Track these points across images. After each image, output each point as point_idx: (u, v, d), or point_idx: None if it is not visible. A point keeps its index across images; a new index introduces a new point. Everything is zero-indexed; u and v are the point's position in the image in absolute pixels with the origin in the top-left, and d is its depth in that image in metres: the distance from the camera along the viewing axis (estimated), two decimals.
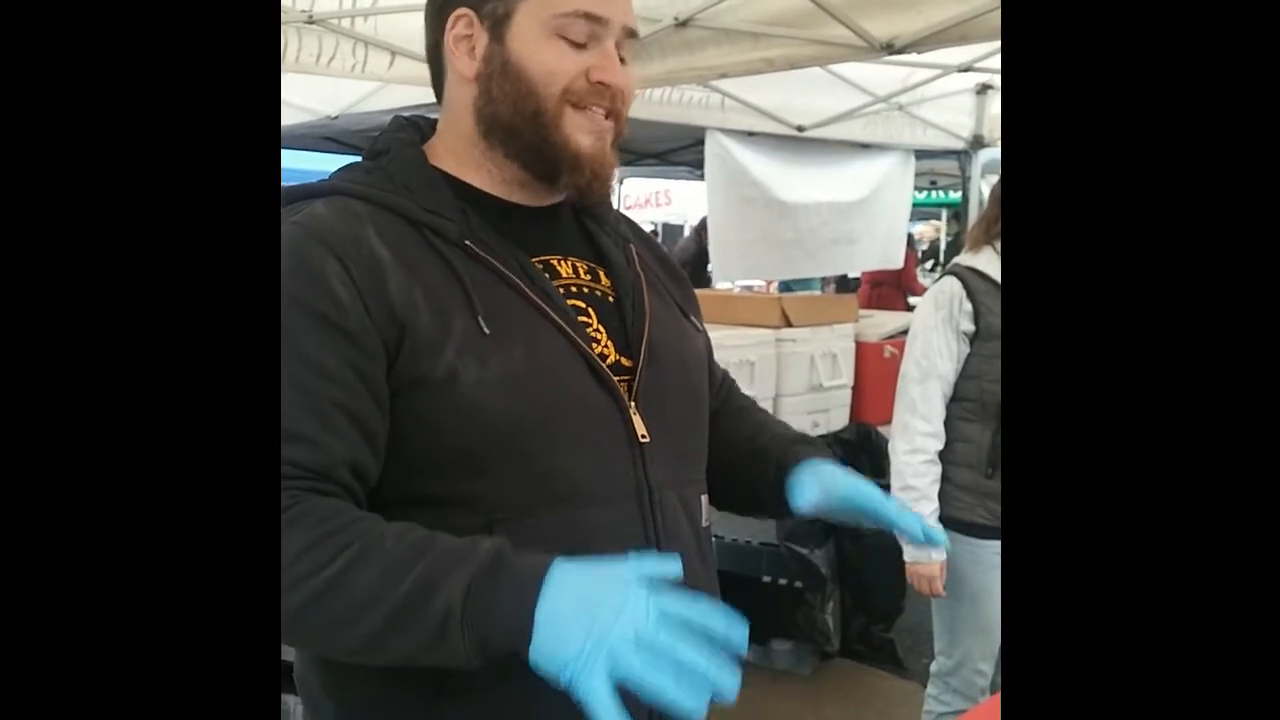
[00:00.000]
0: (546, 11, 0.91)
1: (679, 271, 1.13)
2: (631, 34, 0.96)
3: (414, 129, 1.00)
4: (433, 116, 1.02)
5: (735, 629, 0.72)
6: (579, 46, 0.91)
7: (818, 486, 0.99)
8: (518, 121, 0.92)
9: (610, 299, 0.98)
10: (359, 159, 0.99)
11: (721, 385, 1.15)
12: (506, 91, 0.91)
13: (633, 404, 0.92)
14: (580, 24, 0.91)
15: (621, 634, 0.69)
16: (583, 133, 0.92)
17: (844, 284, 7.72)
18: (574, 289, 0.96)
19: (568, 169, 0.93)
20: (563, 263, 0.97)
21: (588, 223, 1.03)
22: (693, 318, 1.08)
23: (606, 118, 0.94)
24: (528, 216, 0.97)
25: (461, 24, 0.93)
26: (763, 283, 7.22)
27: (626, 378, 0.93)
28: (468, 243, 0.90)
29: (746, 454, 1.08)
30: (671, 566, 0.75)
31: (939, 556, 2.00)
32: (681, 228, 14.70)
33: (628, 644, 0.68)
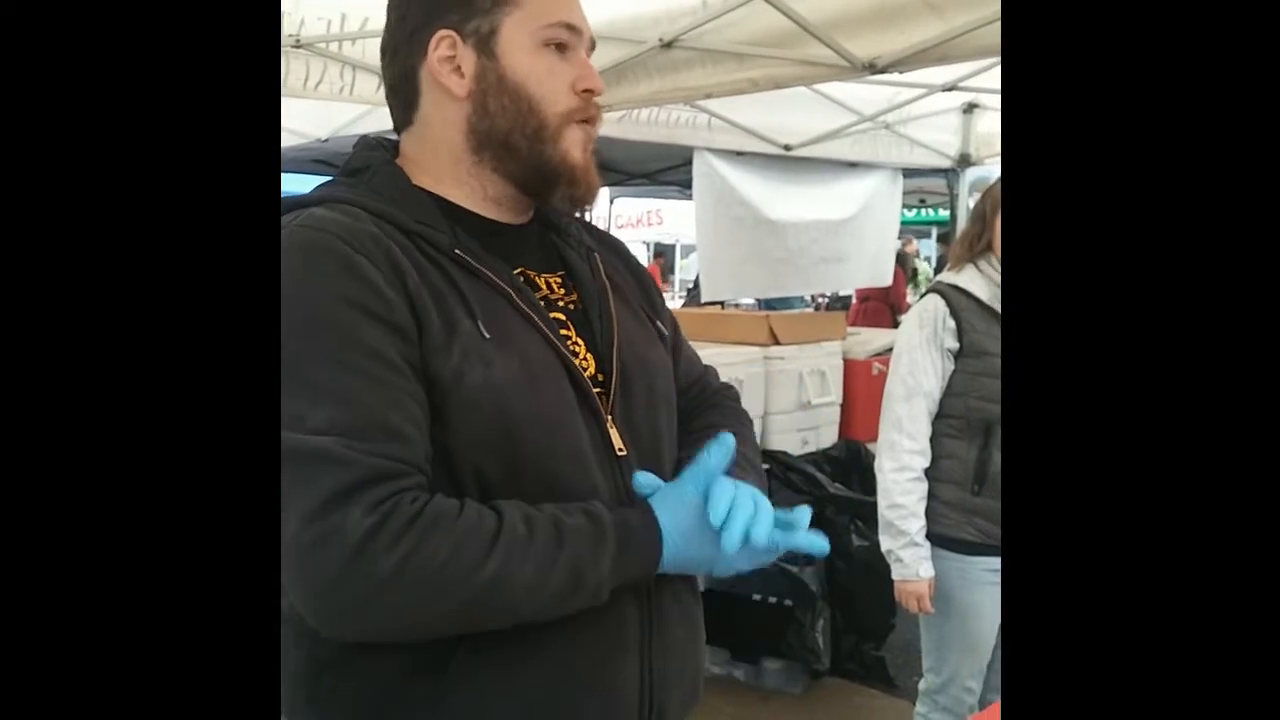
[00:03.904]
0: (533, 24, 0.94)
1: (643, 271, 1.15)
2: (593, 45, 1.00)
3: (385, 149, 1.01)
4: (394, 139, 1.03)
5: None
6: (560, 58, 0.95)
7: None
8: (515, 137, 0.94)
9: (581, 312, 1.00)
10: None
11: (691, 389, 1.13)
12: (505, 106, 0.94)
13: (609, 417, 0.94)
14: (561, 33, 0.95)
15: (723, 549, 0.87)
16: (577, 147, 0.96)
17: (832, 302, 7.76)
18: (552, 302, 0.98)
19: (565, 182, 0.96)
20: (538, 277, 0.99)
21: (552, 237, 1.05)
22: (658, 322, 1.09)
23: (590, 125, 0.97)
24: (504, 233, 0.99)
25: (445, 45, 0.94)
26: (753, 300, 7.25)
27: (600, 391, 0.95)
28: (458, 253, 0.91)
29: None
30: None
31: (927, 574, 2.00)
32: (673, 247, 14.77)
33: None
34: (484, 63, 0.94)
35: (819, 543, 0.92)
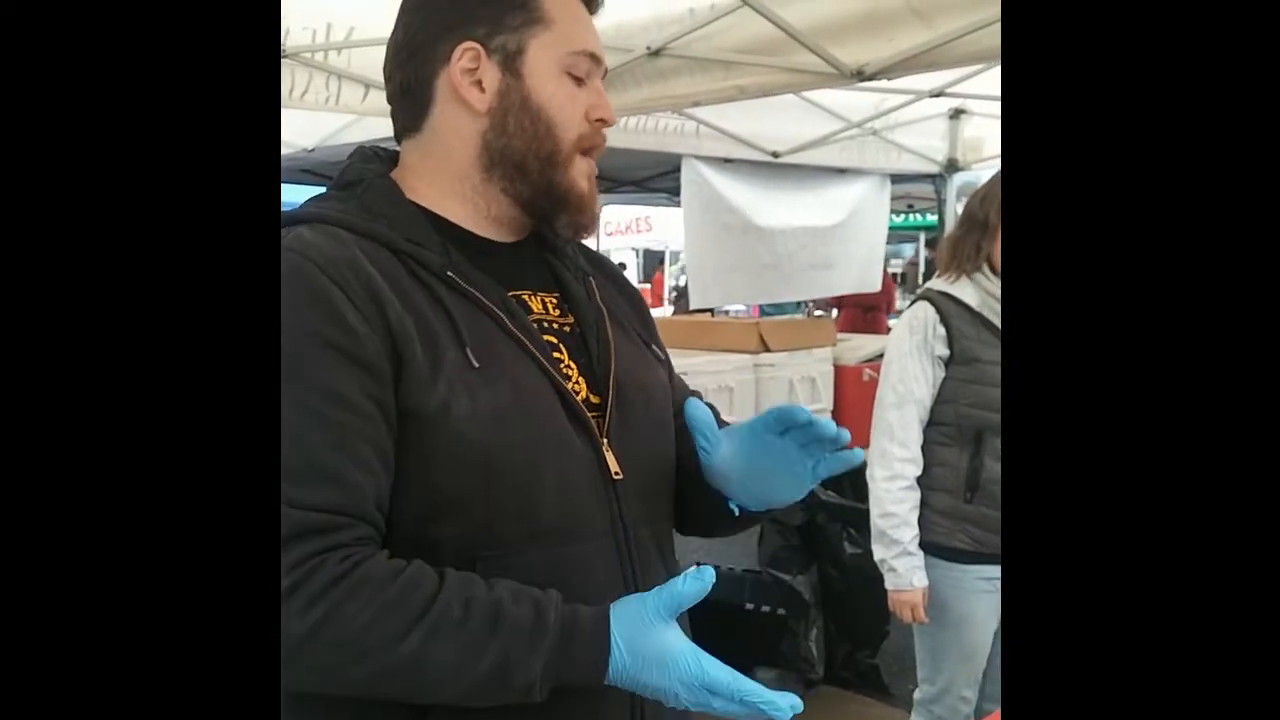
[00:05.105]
0: (559, 49, 0.93)
1: (637, 296, 1.14)
2: (605, 73, 1.00)
3: (380, 161, 0.99)
4: (394, 149, 1.01)
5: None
6: (579, 84, 0.95)
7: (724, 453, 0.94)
8: (529, 159, 0.93)
9: (577, 334, 0.98)
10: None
11: (680, 415, 1.11)
12: (525, 127, 0.93)
13: (605, 441, 0.92)
14: (584, 62, 0.95)
15: (676, 683, 0.81)
16: (583, 177, 0.96)
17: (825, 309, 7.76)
18: (545, 324, 0.96)
19: (572, 210, 0.96)
20: (533, 298, 0.98)
21: (549, 258, 1.03)
22: (653, 346, 1.08)
23: (593, 154, 0.97)
24: (498, 252, 0.97)
25: (468, 56, 0.92)
26: (745, 307, 7.25)
27: (596, 414, 0.93)
28: (450, 274, 0.89)
29: (686, 471, 1.04)
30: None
31: (921, 583, 1.99)
32: (662, 254, 14.79)
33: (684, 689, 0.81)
34: (508, 81, 0.93)
35: (782, 707, 0.81)
